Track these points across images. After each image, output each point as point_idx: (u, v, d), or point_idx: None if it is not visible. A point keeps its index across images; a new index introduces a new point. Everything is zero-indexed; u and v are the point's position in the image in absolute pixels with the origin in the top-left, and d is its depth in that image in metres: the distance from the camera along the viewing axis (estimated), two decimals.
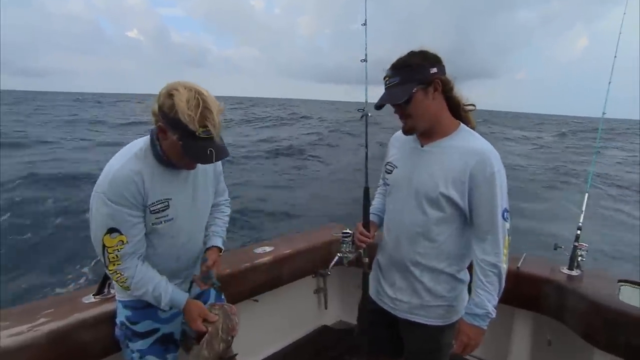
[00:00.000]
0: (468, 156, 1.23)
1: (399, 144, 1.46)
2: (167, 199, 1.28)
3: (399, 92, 1.24)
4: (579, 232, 2.05)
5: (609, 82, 2.21)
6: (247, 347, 2.00)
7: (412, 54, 1.27)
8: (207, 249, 1.47)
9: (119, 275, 1.24)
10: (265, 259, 2.19)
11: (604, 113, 2.37)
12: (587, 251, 2.02)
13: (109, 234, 1.18)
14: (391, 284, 1.44)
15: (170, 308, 1.34)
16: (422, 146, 1.35)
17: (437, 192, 1.26)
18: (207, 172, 1.44)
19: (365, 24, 1.58)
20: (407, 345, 1.48)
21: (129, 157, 1.23)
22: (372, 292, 1.55)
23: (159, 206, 1.26)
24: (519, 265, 2.04)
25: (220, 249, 1.50)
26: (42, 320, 1.45)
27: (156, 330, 1.40)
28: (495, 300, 1.25)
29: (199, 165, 1.39)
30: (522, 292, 2.01)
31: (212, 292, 1.57)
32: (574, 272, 1.95)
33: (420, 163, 1.33)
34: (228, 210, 1.62)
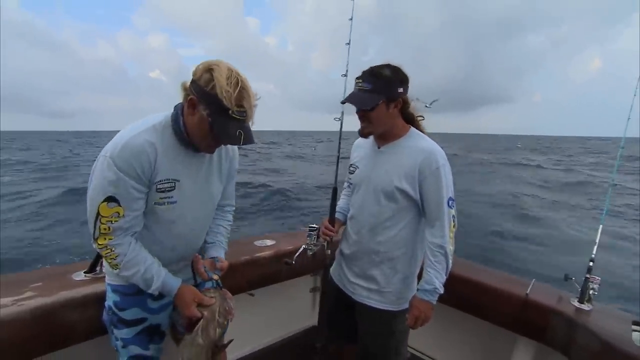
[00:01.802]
0: (417, 154, 1.42)
1: (361, 148, 1.64)
2: (175, 180, 1.19)
3: (368, 98, 1.39)
4: (591, 264, 1.97)
5: (628, 119, 2.12)
6: (238, 339, 1.94)
7: (388, 67, 1.41)
8: (213, 257, 1.39)
9: (108, 251, 1.14)
10: (266, 253, 2.12)
11: (622, 147, 2.28)
12: (599, 284, 1.95)
13: (106, 202, 1.09)
14: (351, 270, 1.60)
15: (159, 294, 1.24)
16: (378, 148, 1.54)
17: (393, 186, 1.44)
18: (222, 166, 1.36)
19: (349, 44, 1.74)
20: (360, 329, 1.62)
21: (147, 127, 1.14)
22: (334, 276, 1.73)
23: (166, 185, 1.17)
24: (527, 291, 1.96)
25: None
26: (28, 294, 1.38)
27: (143, 320, 1.32)
28: (442, 278, 1.42)
29: (215, 157, 1.32)
30: (527, 319, 1.93)
31: (209, 285, 1.49)
32: (585, 306, 1.87)
33: (377, 162, 1.52)
34: (232, 219, 1.55)
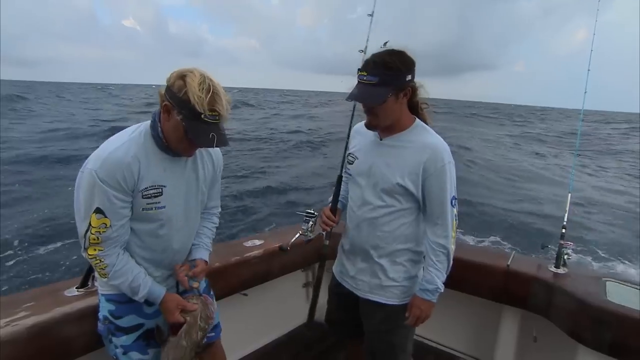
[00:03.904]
0: (422, 150, 1.37)
1: (360, 136, 1.55)
2: (161, 186, 1.24)
3: (375, 94, 1.32)
4: (563, 230, 2.10)
5: (585, 92, 2.31)
6: (236, 340, 1.97)
7: (392, 53, 1.33)
8: (194, 259, 1.43)
9: (98, 261, 1.20)
10: (255, 253, 2.16)
11: (581, 119, 2.46)
12: (572, 249, 2.08)
13: (95, 214, 1.15)
14: (353, 265, 1.56)
15: (145, 301, 1.30)
16: (381, 139, 1.46)
17: (394, 183, 1.39)
18: (206, 168, 1.41)
19: (372, 15, 1.63)
20: (365, 325, 1.58)
21: (128, 139, 1.20)
22: (336, 272, 1.67)
23: (152, 191, 1.23)
24: (508, 263, 2.07)
25: (205, 262, 1.46)
26: (22, 314, 1.38)
27: (140, 326, 1.36)
28: (443, 277, 1.40)
29: (198, 160, 1.37)
30: (510, 289, 2.04)
31: (202, 286, 1.53)
32: (561, 270, 1.99)
33: (379, 155, 1.45)
34: (217, 221, 1.58)
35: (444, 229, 1.38)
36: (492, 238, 7.25)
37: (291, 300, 2.66)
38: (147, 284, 1.27)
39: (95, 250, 1.19)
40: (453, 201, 1.39)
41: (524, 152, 19.41)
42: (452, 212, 1.38)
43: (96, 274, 1.31)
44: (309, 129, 21.98)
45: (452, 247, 1.40)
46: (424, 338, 2.50)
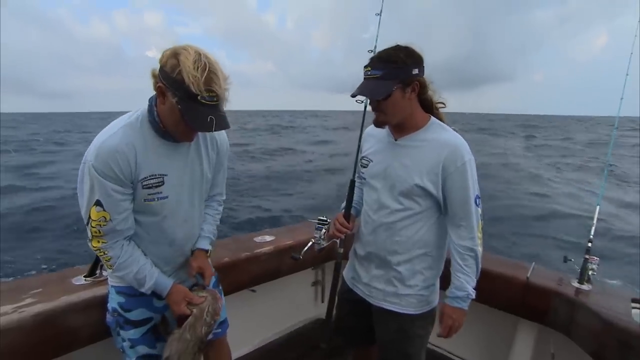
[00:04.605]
0: (440, 149, 1.29)
1: (373, 138, 1.49)
2: (162, 175, 1.19)
3: (379, 87, 1.26)
4: (590, 244, 1.99)
5: (621, 98, 2.17)
6: (242, 336, 1.95)
7: (398, 48, 1.28)
8: (193, 251, 1.39)
9: (102, 253, 1.18)
10: (266, 249, 2.12)
11: (616, 127, 2.32)
12: (598, 265, 1.96)
13: (95, 207, 1.11)
14: (367, 272, 1.49)
15: (153, 293, 1.27)
16: (395, 140, 1.39)
17: (412, 184, 1.31)
18: (209, 154, 1.34)
19: (379, 14, 1.56)
20: (378, 333, 1.52)
21: (122, 126, 1.13)
22: (347, 278, 1.61)
23: (152, 181, 1.17)
24: (528, 275, 1.97)
25: (205, 251, 1.42)
26: (29, 300, 1.37)
27: (149, 320, 1.33)
28: (473, 282, 1.33)
29: (202, 145, 1.30)
30: (528, 302, 1.95)
31: (211, 282, 1.50)
32: (585, 286, 1.89)
33: (394, 157, 1.38)
34: (220, 209, 1.53)
35: (469, 230, 1.30)
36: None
37: (300, 298, 2.62)
38: (153, 275, 1.24)
39: (98, 242, 1.16)
40: (477, 200, 1.30)
41: (549, 165, 18.94)
42: (476, 212, 1.30)
43: (107, 270, 1.30)
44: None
45: (480, 249, 1.32)
46: (435, 346, 2.43)
